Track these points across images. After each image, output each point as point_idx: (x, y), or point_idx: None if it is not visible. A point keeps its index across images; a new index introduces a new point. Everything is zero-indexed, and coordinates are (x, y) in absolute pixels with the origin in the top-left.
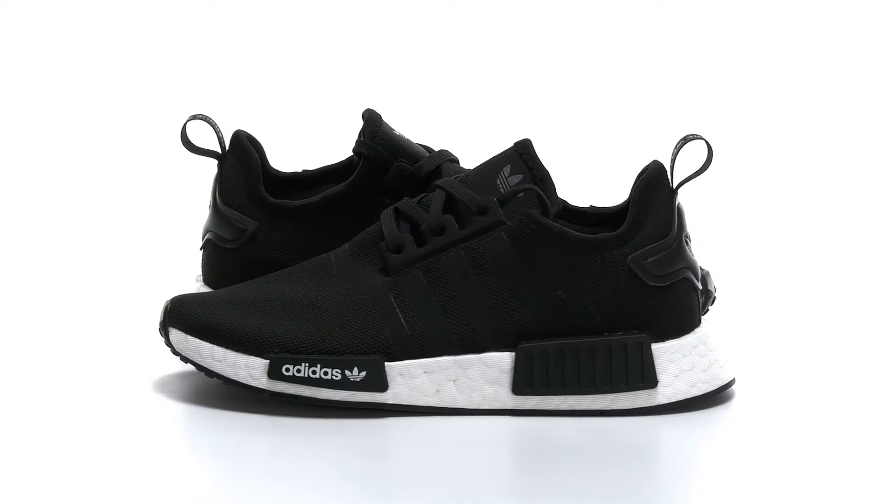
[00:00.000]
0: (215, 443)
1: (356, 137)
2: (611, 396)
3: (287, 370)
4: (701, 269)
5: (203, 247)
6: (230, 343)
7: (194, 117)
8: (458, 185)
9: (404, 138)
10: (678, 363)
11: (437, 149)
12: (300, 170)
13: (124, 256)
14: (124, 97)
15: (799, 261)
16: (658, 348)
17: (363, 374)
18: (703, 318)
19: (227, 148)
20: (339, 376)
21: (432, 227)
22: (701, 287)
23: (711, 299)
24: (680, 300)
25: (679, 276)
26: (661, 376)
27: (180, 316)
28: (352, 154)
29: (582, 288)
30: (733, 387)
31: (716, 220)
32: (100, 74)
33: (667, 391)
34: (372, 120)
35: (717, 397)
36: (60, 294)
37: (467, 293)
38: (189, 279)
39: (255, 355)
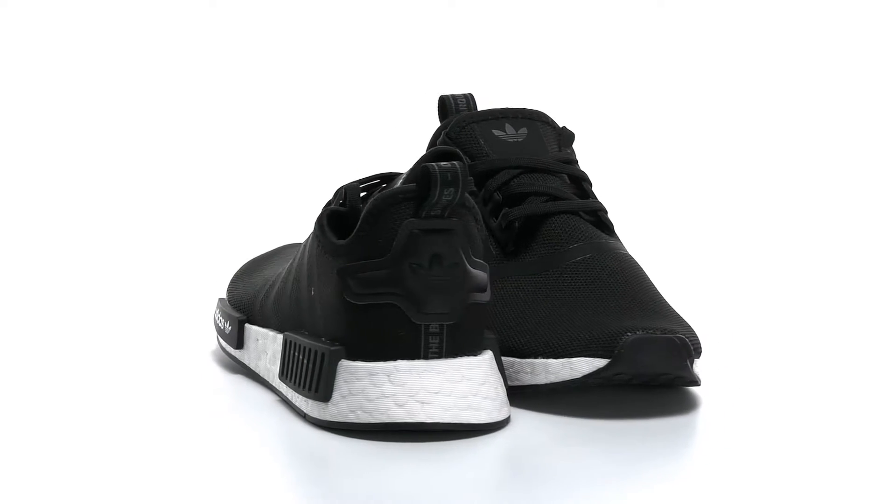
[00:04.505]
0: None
1: None
2: (311, 402)
3: (216, 313)
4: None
5: None
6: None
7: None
8: (371, 176)
9: (506, 141)
10: (350, 385)
11: None
12: None
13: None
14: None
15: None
16: (342, 365)
17: (231, 328)
18: (454, 357)
19: None
20: (222, 327)
21: None
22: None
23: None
24: (376, 324)
25: (382, 300)
26: (335, 393)
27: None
28: None
29: (319, 290)
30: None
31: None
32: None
33: (332, 409)
34: (463, 117)
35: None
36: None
37: (295, 274)
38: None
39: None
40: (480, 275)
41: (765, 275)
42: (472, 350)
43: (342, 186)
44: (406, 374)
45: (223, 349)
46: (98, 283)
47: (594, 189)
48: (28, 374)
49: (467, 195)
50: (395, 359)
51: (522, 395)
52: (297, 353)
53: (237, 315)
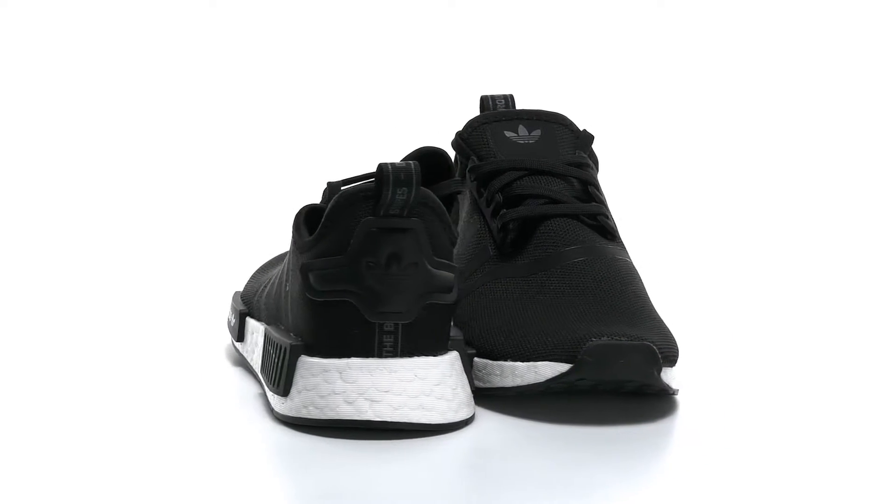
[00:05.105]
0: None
1: None
2: (275, 396)
3: (230, 307)
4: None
5: None
6: None
7: None
8: (364, 175)
9: (515, 142)
10: (305, 381)
11: None
12: None
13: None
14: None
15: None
16: (301, 361)
17: (234, 321)
18: (406, 357)
19: None
20: (230, 319)
21: None
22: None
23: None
24: (332, 321)
25: (338, 297)
26: (292, 388)
27: None
28: None
29: (291, 285)
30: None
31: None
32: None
33: (289, 404)
34: (478, 118)
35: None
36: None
37: (280, 272)
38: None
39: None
40: (444, 275)
41: (770, 282)
42: (432, 350)
43: (328, 184)
44: (357, 372)
45: (231, 342)
46: (129, 277)
47: (613, 194)
48: (42, 355)
49: (432, 195)
50: (349, 356)
51: (491, 398)
52: (269, 347)
53: (240, 308)
